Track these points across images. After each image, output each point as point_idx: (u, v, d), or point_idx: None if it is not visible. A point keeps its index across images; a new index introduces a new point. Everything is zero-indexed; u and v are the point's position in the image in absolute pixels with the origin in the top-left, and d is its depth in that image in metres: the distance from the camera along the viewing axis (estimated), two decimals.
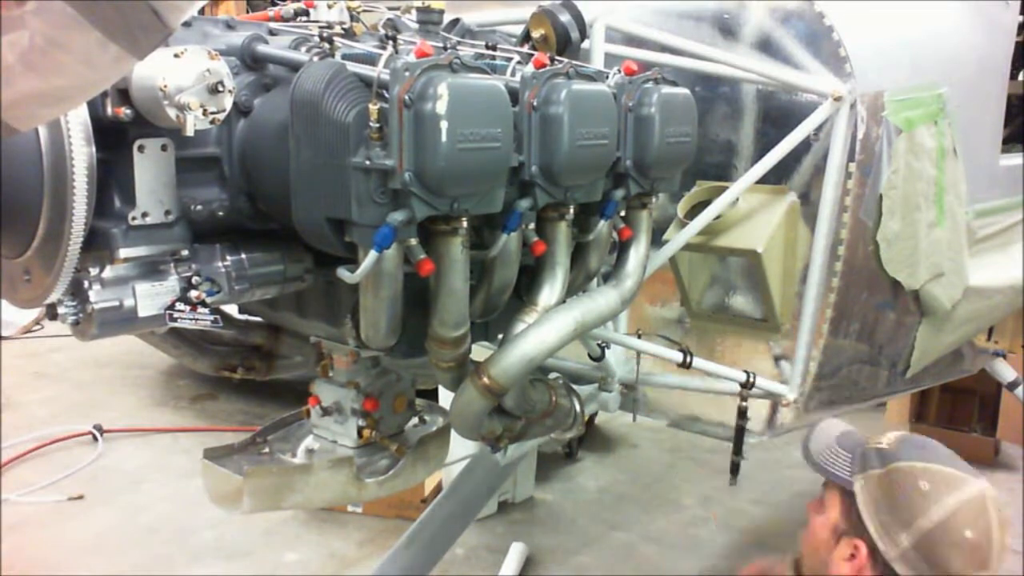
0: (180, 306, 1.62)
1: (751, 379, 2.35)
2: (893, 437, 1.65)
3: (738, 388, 2.39)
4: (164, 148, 1.59)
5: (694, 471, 5.04)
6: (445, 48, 1.64)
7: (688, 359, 2.35)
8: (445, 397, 2.79)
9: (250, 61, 1.75)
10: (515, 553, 4.12)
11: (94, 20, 0.90)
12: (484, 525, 4.40)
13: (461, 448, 2.96)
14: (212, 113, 1.49)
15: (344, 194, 1.51)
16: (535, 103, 1.70)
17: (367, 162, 1.48)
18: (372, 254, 1.51)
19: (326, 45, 1.71)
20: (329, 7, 2.10)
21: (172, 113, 1.46)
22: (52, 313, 1.57)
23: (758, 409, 2.50)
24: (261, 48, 1.75)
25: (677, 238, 2.34)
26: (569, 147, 1.71)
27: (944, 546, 1.50)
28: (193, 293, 1.63)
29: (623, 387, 2.57)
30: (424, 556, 3.24)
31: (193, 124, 1.47)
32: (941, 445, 1.68)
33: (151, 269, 1.61)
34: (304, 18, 2.07)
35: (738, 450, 2.42)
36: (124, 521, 4.46)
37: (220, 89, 1.49)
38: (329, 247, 1.63)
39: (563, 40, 2.23)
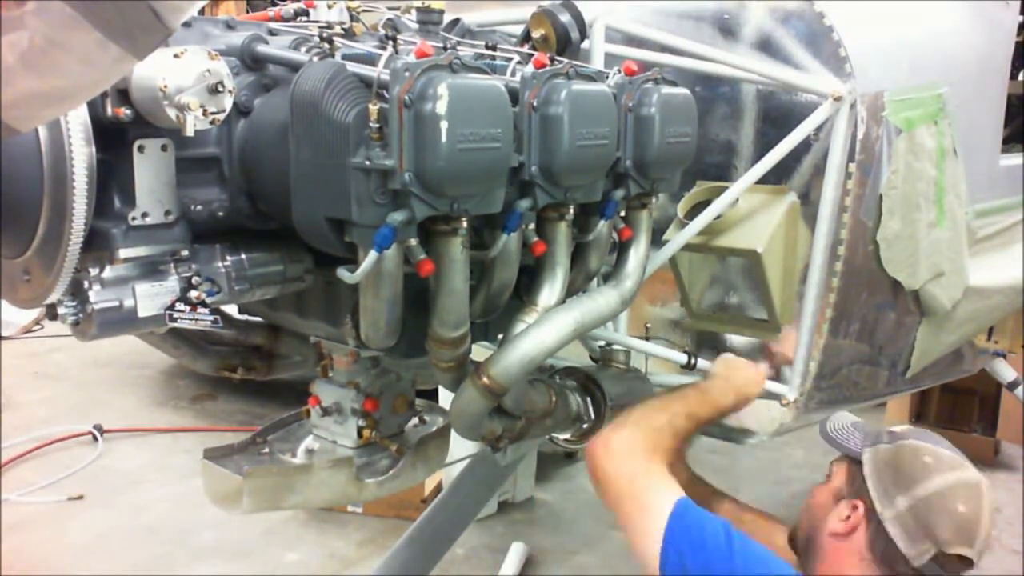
0: (180, 306, 1.62)
1: (693, 361, 2.35)
2: (906, 427, 1.77)
3: None
4: (164, 148, 1.59)
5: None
6: (445, 48, 1.64)
7: (692, 361, 2.35)
8: (445, 397, 2.79)
9: (250, 61, 1.76)
10: (515, 553, 4.12)
11: (94, 20, 0.90)
12: (484, 525, 4.40)
13: (461, 448, 2.96)
14: (212, 113, 1.49)
15: (344, 194, 1.51)
16: (535, 103, 1.70)
17: (367, 162, 1.48)
18: (372, 254, 1.51)
19: (326, 45, 1.71)
20: (329, 7, 2.10)
21: (172, 113, 1.46)
22: (52, 313, 1.57)
23: (758, 409, 2.49)
24: (261, 48, 1.75)
25: (677, 238, 2.33)
26: (569, 147, 1.71)
27: (937, 514, 1.58)
28: (193, 293, 1.63)
29: None
30: (424, 556, 3.24)
31: (193, 124, 1.47)
32: (946, 442, 1.76)
33: (151, 269, 1.61)
34: (304, 18, 2.07)
35: None
36: (124, 521, 4.45)
37: (220, 89, 1.49)
38: (329, 247, 1.63)
39: (563, 40, 2.23)
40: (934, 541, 1.58)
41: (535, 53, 1.87)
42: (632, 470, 1.73)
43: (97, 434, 5.36)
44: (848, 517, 1.66)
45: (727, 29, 2.46)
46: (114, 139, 1.53)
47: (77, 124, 1.43)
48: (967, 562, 1.60)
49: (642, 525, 1.66)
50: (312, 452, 2.10)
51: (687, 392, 1.97)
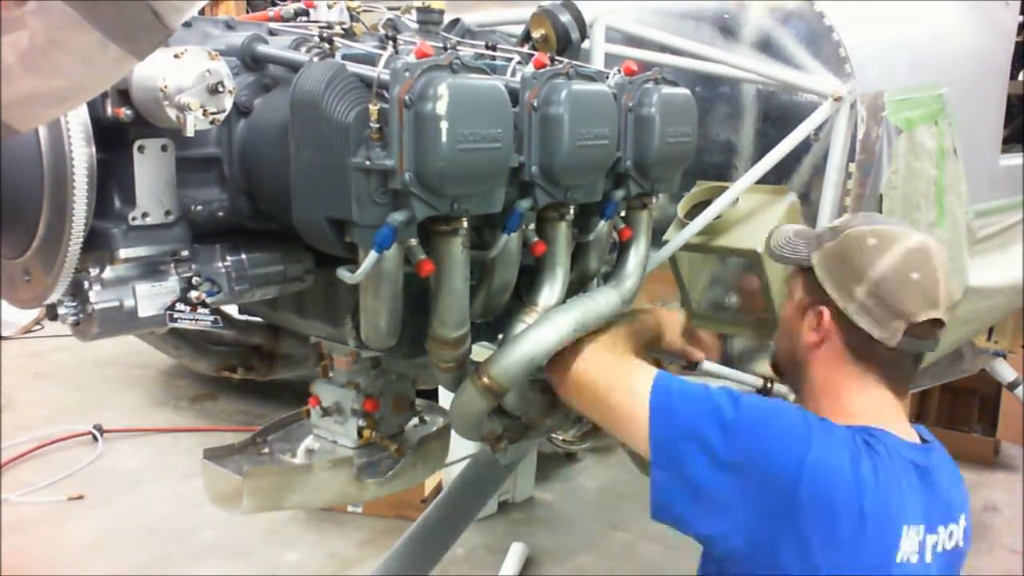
0: (180, 306, 1.62)
1: (769, 385, 2.35)
2: (845, 217, 1.80)
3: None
4: (164, 148, 1.59)
5: None
6: (445, 48, 1.64)
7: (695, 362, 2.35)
8: (445, 397, 2.80)
9: (250, 61, 1.75)
10: (515, 553, 4.12)
11: (94, 20, 0.90)
12: (484, 525, 4.40)
13: (461, 448, 2.96)
14: (212, 113, 1.49)
15: (344, 194, 1.51)
16: (535, 103, 1.70)
17: (367, 162, 1.48)
18: (372, 254, 1.51)
19: (326, 45, 1.71)
20: (329, 7, 2.10)
21: (172, 113, 1.46)
22: (52, 313, 1.57)
23: None
24: (261, 48, 1.75)
25: (677, 238, 2.33)
26: (569, 147, 1.71)
27: (895, 290, 1.60)
28: (193, 293, 1.63)
29: None
30: (424, 556, 3.24)
31: (193, 124, 1.47)
32: (891, 218, 1.82)
33: (151, 269, 1.61)
34: (304, 18, 2.07)
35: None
36: (124, 521, 4.46)
37: (220, 89, 1.49)
38: (329, 247, 1.62)
39: (563, 40, 2.23)
40: (901, 316, 1.60)
41: (535, 53, 1.86)
42: (605, 364, 1.78)
43: (97, 434, 5.36)
44: (818, 324, 1.67)
45: (727, 29, 2.46)
46: (114, 139, 1.53)
47: (77, 124, 1.43)
48: (938, 323, 1.64)
49: (628, 410, 1.68)
50: (312, 452, 2.10)
51: (621, 320, 2.00)
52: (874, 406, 1.66)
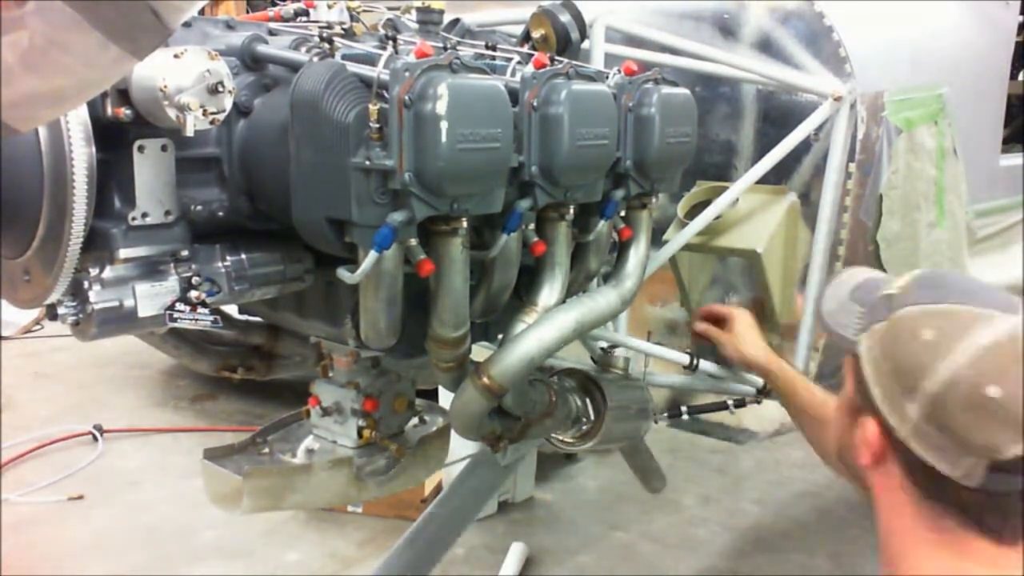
0: (180, 306, 1.62)
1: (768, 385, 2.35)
2: (910, 276, 1.25)
3: (738, 389, 2.39)
4: (164, 148, 1.59)
5: (694, 471, 5.03)
6: (445, 48, 1.64)
7: (695, 362, 2.35)
8: (445, 397, 2.79)
9: (250, 61, 1.75)
10: (515, 553, 4.12)
11: (94, 21, 0.90)
12: (484, 525, 4.40)
13: (461, 448, 2.96)
14: (212, 113, 1.49)
15: (344, 194, 1.51)
16: (535, 103, 1.70)
17: (367, 162, 1.48)
18: (372, 254, 1.51)
19: (326, 45, 1.71)
20: (329, 7, 2.10)
21: (172, 113, 1.46)
22: (52, 313, 1.57)
23: (758, 409, 2.50)
24: (261, 48, 1.75)
25: (677, 238, 2.34)
26: (569, 147, 1.71)
27: (958, 411, 1.09)
28: (193, 293, 1.63)
29: None
30: (424, 556, 3.23)
31: (193, 124, 1.47)
32: (969, 277, 1.33)
33: (151, 269, 1.61)
34: (304, 18, 2.07)
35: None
36: (124, 521, 4.45)
37: (220, 89, 1.49)
38: (329, 247, 1.63)
39: (563, 40, 2.23)
40: (975, 451, 1.09)
41: (535, 53, 1.86)
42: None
43: (97, 434, 5.36)
44: (867, 439, 1.20)
45: (727, 29, 2.46)
46: (114, 139, 1.53)
47: (77, 124, 1.43)
48: None
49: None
50: (312, 452, 2.10)
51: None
52: (961, 569, 1.14)
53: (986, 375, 1.09)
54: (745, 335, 2.12)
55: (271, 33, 1.88)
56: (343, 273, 1.58)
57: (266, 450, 2.11)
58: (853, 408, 1.25)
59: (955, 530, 1.14)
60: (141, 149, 1.56)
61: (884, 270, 2.41)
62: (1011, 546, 1.13)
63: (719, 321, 2.19)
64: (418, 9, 2.05)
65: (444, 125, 1.47)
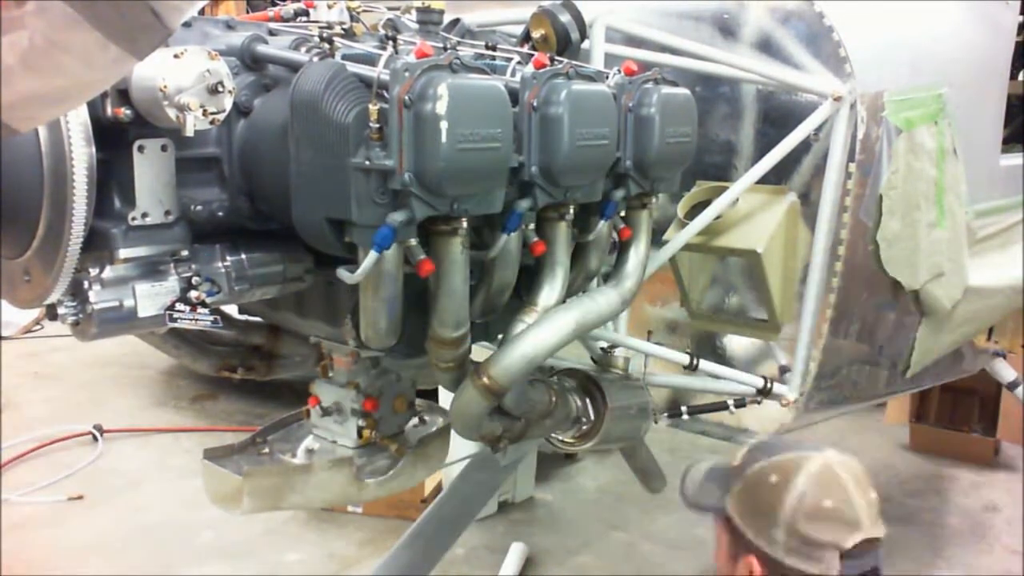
0: (180, 306, 1.62)
1: (768, 385, 2.35)
2: (743, 450, 1.68)
3: (738, 389, 2.39)
4: (164, 148, 1.59)
5: None
6: (445, 48, 1.64)
7: (695, 362, 2.35)
8: (445, 397, 2.80)
9: (250, 61, 1.76)
10: (515, 553, 4.12)
11: (94, 20, 0.90)
12: (484, 525, 4.40)
13: (461, 448, 2.96)
14: (212, 113, 1.49)
15: (344, 194, 1.51)
16: (535, 103, 1.70)
17: (367, 162, 1.48)
18: (372, 254, 1.51)
19: (326, 45, 1.71)
20: (329, 7, 2.10)
21: (172, 113, 1.46)
22: (52, 313, 1.57)
23: (758, 409, 2.50)
24: (261, 48, 1.76)
25: (677, 238, 2.34)
26: (569, 147, 1.71)
27: (810, 524, 1.50)
28: (193, 293, 1.63)
29: None
30: (424, 556, 3.24)
31: (193, 124, 1.47)
32: (784, 437, 1.72)
33: (151, 269, 1.61)
34: (304, 18, 2.07)
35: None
36: (124, 521, 4.45)
37: (220, 89, 1.49)
38: (329, 247, 1.63)
39: (563, 40, 2.23)
40: (829, 548, 1.50)
41: (535, 53, 1.87)
42: None
43: (97, 434, 5.36)
44: (750, 573, 1.57)
45: (727, 29, 2.46)
46: (114, 139, 1.53)
47: (77, 124, 1.43)
48: (874, 540, 1.52)
49: None
50: (312, 452, 2.10)
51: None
52: None
53: (819, 494, 1.52)
54: None
55: (271, 33, 1.88)
56: (343, 273, 1.58)
57: (266, 450, 2.12)
58: (733, 554, 1.62)
59: None
60: (141, 149, 1.56)
61: (884, 270, 2.41)
62: None
63: None
64: (418, 9, 2.05)
65: (444, 125, 1.47)
